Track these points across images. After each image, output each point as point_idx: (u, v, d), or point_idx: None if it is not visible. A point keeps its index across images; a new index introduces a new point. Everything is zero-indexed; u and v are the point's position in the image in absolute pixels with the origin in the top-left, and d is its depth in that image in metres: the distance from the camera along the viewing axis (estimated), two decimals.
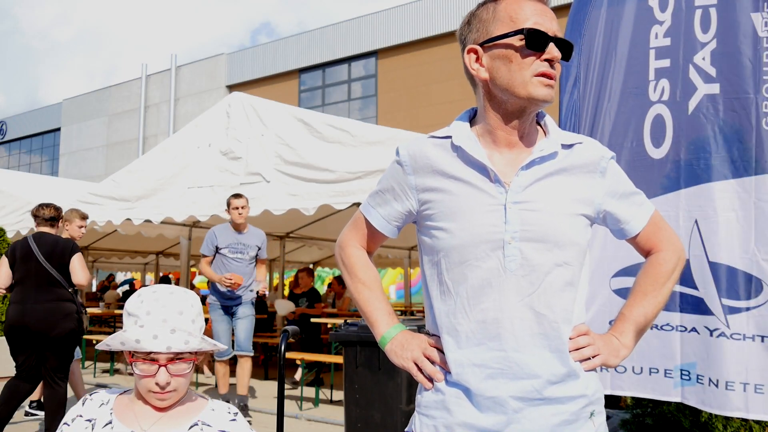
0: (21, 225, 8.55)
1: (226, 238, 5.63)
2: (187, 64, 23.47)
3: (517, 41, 1.30)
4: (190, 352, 1.44)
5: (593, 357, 1.35)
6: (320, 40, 20.45)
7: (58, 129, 27.59)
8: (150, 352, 1.40)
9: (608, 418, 1.43)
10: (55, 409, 4.27)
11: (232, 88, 21.29)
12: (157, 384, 1.41)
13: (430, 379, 1.37)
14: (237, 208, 5.57)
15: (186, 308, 1.46)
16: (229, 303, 5.62)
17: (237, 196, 5.62)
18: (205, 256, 5.67)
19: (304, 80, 21.16)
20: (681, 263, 1.47)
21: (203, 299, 8.85)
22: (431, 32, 18.22)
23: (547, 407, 1.28)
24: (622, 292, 2.59)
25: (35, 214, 4.52)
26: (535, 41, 1.29)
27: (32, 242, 4.38)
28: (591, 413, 1.34)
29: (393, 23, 19.07)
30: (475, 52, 1.35)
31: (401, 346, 1.41)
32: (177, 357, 1.42)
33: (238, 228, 5.63)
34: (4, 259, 4.46)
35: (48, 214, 4.52)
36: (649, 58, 2.67)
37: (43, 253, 4.34)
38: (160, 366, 1.41)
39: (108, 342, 1.43)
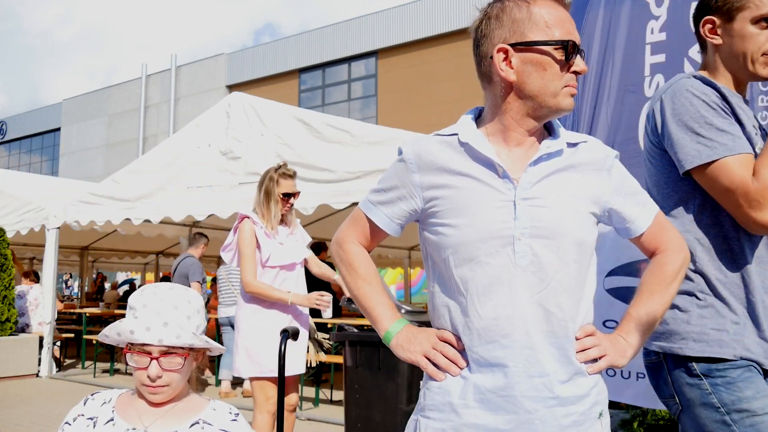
0: (21, 225, 8.55)
1: None
2: (187, 64, 23.46)
3: (554, 51, 1.29)
4: (182, 347, 1.45)
5: (600, 358, 1.34)
6: (320, 40, 20.44)
7: (58, 129, 27.58)
8: (143, 345, 1.42)
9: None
10: None
11: (232, 88, 21.28)
12: (148, 377, 1.43)
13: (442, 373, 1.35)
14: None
15: (182, 304, 1.47)
16: None
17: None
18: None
19: (304, 80, 21.15)
20: (686, 263, 1.46)
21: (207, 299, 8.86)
22: (431, 32, 18.21)
23: (559, 408, 1.27)
24: (615, 292, 2.58)
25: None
26: (570, 53, 1.29)
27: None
28: (600, 413, 1.33)
29: (393, 23, 19.06)
30: (505, 51, 1.32)
31: (408, 340, 1.39)
32: (170, 351, 1.43)
33: None
34: None
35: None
36: (645, 54, 2.65)
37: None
38: (152, 359, 1.42)
39: (106, 332, 1.45)
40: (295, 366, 3.58)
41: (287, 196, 3.57)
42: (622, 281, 2.58)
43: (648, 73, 2.64)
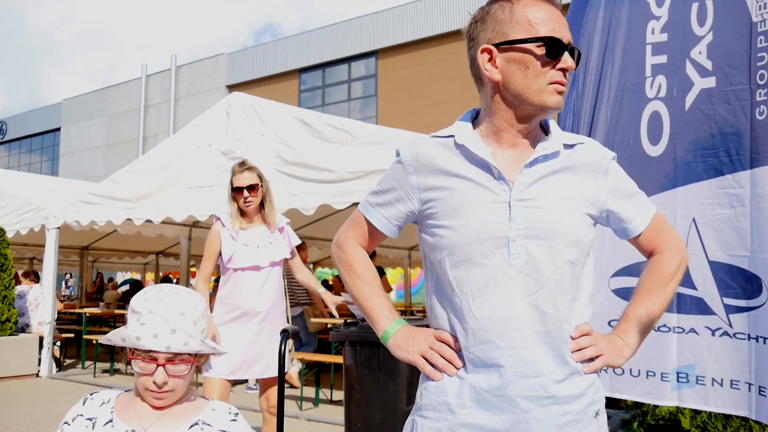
0: (21, 225, 8.55)
1: None
2: (187, 64, 23.46)
3: (536, 48, 1.29)
4: (189, 354, 1.44)
5: (596, 358, 1.35)
6: (320, 40, 20.44)
7: (58, 129, 27.58)
8: (149, 351, 1.41)
9: (608, 418, 1.43)
10: None
11: (232, 88, 21.28)
12: (154, 383, 1.42)
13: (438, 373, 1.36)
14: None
15: (188, 309, 1.45)
16: None
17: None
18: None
19: (304, 80, 21.15)
20: (684, 264, 1.47)
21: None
22: (431, 32, 18.20)
23: (555, 407, 1.28)
24: (621, 292, 2.58)
25: None
26: (553, 50, 1.29)
27: None
28: (596, 413, 1.34)
29: (393, 23, 19.06)
30: (489, 52, 1.33)
31: (405, 340, 1.40)
32: (176, 357, 1.43)
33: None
34: None
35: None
36: (646, 54, 2.64)
37: None
38: (158, 365, 1.41)
39: (110, 337, 1.44)
40: (269, 369, 3.53)
41: (238, 190, 3.49)
42: (627, 281, 2.57)
43: (649, 73, 2.63)
